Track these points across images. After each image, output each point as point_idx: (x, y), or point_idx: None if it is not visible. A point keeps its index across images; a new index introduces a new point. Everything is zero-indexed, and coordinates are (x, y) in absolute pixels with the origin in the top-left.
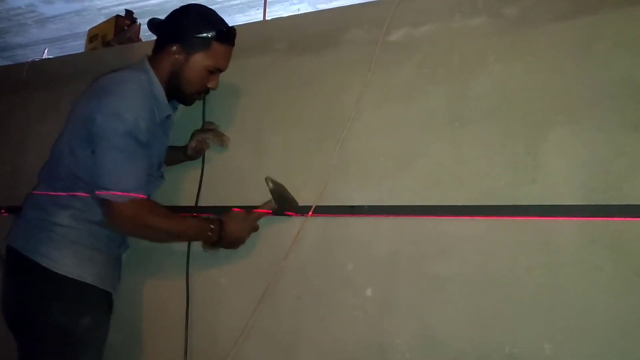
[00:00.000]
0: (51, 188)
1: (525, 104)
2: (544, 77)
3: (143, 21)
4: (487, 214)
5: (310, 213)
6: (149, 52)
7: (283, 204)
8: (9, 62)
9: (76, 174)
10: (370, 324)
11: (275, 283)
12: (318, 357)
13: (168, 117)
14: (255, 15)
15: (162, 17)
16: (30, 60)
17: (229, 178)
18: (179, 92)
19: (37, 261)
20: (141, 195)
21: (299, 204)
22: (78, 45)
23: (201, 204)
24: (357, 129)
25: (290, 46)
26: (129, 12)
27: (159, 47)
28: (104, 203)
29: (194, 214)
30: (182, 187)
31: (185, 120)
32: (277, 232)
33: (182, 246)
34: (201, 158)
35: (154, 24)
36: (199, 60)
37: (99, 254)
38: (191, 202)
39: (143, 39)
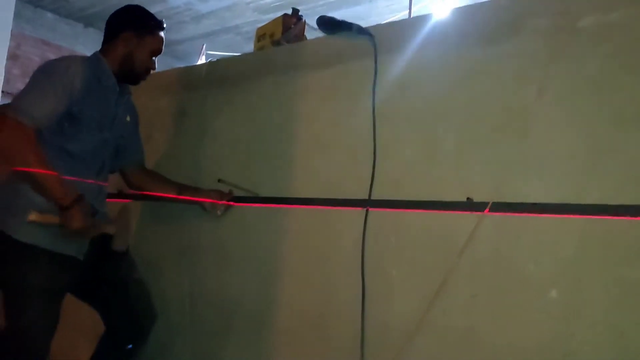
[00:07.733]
0: None
1: None
2: None
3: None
4: None
5: (487, 210)
6: (318, 50)
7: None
8: (169, 58)
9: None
10: (554, 327)
11: (449, 279)
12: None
13: (122, 94)
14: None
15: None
16: (208, 60)
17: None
18: (131, 71)
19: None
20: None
21: (474, 200)
22: (228, 39)
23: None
24: (538, 123)
25: (460, 37)
26: (295, 11)
27: (112, 36)
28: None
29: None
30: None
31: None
32: (449, 228)
33: (356, 239)
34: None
35: (324, 21)
36: (148, 43)
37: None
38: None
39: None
